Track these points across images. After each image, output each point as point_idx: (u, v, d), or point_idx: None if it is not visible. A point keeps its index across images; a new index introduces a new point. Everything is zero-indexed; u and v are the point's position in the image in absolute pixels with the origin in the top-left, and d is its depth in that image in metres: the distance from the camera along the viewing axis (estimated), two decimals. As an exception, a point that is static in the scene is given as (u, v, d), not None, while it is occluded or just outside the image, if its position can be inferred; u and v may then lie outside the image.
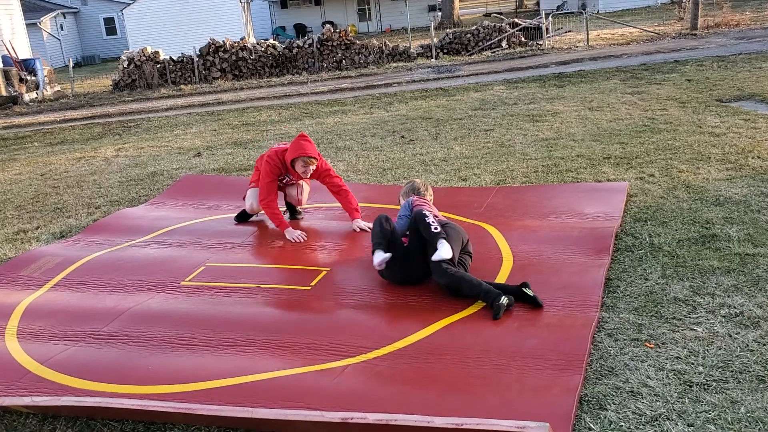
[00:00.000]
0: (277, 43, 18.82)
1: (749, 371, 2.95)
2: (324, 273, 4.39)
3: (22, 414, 3.14)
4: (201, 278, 4.51)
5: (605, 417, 2.73)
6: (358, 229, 5.09)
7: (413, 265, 4.03)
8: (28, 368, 3.49)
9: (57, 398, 2.96)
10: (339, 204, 5.32)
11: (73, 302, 4.33)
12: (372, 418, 2.40)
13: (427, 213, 4.07)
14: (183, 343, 3.63)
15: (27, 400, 2.95)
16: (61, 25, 34.65)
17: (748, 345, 3.14)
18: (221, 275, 4.54)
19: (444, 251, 3.81)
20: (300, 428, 2.70)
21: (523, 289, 3.71)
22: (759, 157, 6.08)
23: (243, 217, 5.60)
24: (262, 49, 18.14)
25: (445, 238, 3.88)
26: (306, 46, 18.19)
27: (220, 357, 3.47)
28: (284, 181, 5.35)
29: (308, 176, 5.15)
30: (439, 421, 2.33)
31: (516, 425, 2.21)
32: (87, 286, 4.57)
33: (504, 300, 3.59)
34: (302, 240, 5.06)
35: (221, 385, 3.17)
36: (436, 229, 3.94)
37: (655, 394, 2.85)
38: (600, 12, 27.83)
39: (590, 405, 2.82)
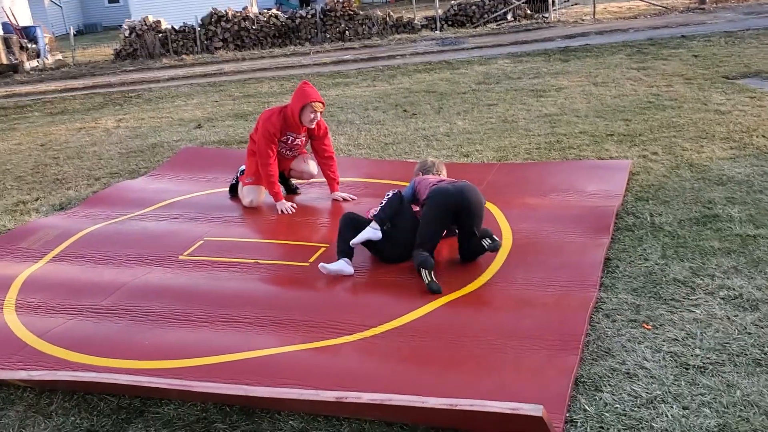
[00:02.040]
0: (279, 13, 18.60)
1: (746, 354, 2.94)
2: (323, 249, 4.38)
3: (20, 387, 3.15)
4: (199, 252, 4.50)
5: (600, 399, 2.73)
6: (341, 200, 5.21)
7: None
8: (26, 341, 3.50)
9: (53, 372, 2.97)
10: (341, 179, 5.34)
11: (72, 275, 4.33)
12: (366, 397, 2.40)
13: (392, 195, 4.08)
14: (180, 319, 3.64)
15: (23, 374, 2.96)
16: (62, -8, 34.22)
17: (746, 328, 3.13)
18: (220, 250, 4.53)
19: (363, 234, 3.95)
20: (295, 406, 2.71)
21: (482, 240, 3.82)
22: (764, 136, 6.01)
23: (236, 191, 5.57)
24: (265, 19, 17.93)
25: (379, 222, 3.97)
26: (309, 16, 17.98)
27: (217, 333, 3.47)
28: (287, 142, 5.20)
29: (314, 125, 5.06)
30: (432, 402, 2.33)
31: (510, 407, 2.21)
32: (85, 259, 4.57)
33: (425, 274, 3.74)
34: (291, 212, 5.08)
35: (218, 362, 3.18)
36: (374, 213, 4.04)
37: (651, 377, 2.84)
38: (608, -16, 27.37)
39: (586, 386, 2.82)
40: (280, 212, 5.08)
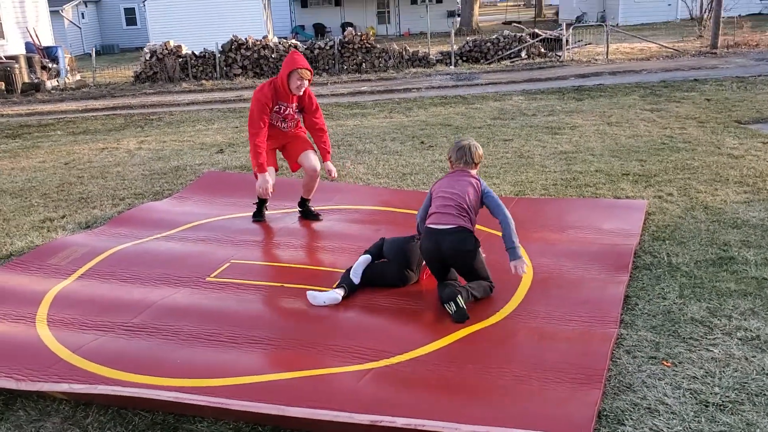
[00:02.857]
0: (299, 43, 18.95)
1: (765, 394, 3.02)
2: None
3: (55, 400, 3.24)
4: (226, 275, 4.62)
5: (623, 432, 2.81)
6: (329, 172, 5.48)
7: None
8: (60, 355, 3.60)
9: (93, 386, 3.06)
10: (359, 207, 5.48)
11: (101, 293, 4.44)
12: (401, 422, 2.49)
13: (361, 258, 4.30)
14: (210, 338, 3.73)
15: (65, 387, 3.05)
16: (82, 14, 34.94)
17: (764, 368, 3.21)
18: (246, 272, 4.64)
19: (325, 296, 4.11)
20: (327, 428, 2.79)
21: (445, 304, 3.84)
22: (777, 182, 6.13)
23: (259, 214, 5.72)
24: (284, 48, 18.27)
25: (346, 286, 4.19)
26: (327, 47, 18.31)
27: (245, 353, 3.57)
28: (280, 112, 5.30)
29: (301, 92, 5.22)
30: (465, 429, 2.41)
31: (540, 435, 2.30)
32: (114, 278, 4.68)
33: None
34: (267, 193, 5.29)
35: (247, 382, 3.27)
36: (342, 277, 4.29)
37: (672, 412, 2.93)
38: (619, 25, 27.83)
39: (608, 420, 2.90)
40: (257, 188, 5.27)
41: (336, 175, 5.57)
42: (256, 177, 5.31)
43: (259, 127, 5.23)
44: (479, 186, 4.10)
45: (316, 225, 5.60)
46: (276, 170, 5.60)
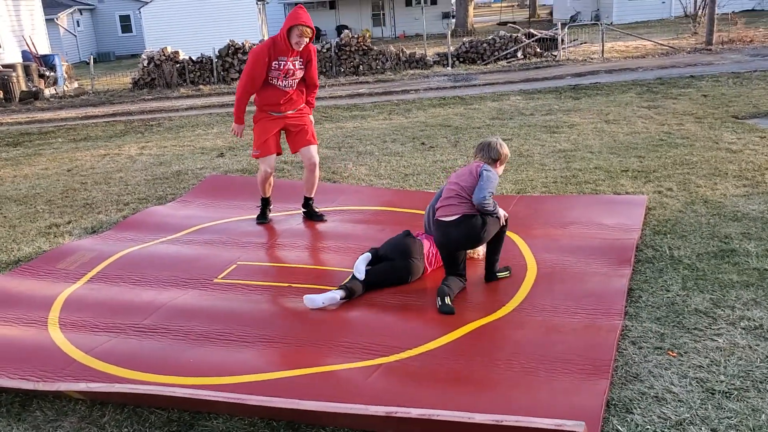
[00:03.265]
0: (294, 46, 19.00)
1: (769, 381, 3.08)
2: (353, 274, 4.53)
3: (72, 400, 3.29)
4: (233, 276, 4.67)
5: (632, 420, 2.87)
6: (305, 123, 5.55)
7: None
8: (73, 357, 3.65)
9: (111, 385, 3.11)
10: (363, 207, 5.53)
11: (111, 295, 4.49)
12: (415, 413, 2.55)
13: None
14: (221, 338, 3.79)
15: (83, 386, 3.10)
16: (77, 22, 34.99)
17: None
18: (253, 273, 4.69)
19: (323, 297, 4.15)
20: (342, 421, 2.84)
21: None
22: (776, 175, 6.20)
23: (263, 216, 5.78)
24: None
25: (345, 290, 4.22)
26: (324, 50, 18.38)
27: (257, 352, 3.62)
28: (280, 68, 5.24)
29: (301, 48, 5.19)
30: (479, 418, 2.47)
31: (553, 423, 2.35)
32: (123, 281, 4.73)
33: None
34: (237, 136, 5.52)
35: (260, 379, 3.32)
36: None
37: (679, 400, 2.98)
38: (614, 24, 27.95)
39: (617, 408, 2.95)
40: (231, 131, 5.39)
41: (308, 127, 5.59)
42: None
43: (248, 85, 5.26)
44: (478, 169, 4.17)
45: (320, 226, 5.66)
46: (279, 154, 5.66)
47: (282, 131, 5.59)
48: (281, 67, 5.25)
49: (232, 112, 5.59)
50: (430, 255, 4.48)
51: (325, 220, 5.74)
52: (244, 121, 5.48)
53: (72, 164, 9.13)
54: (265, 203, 5.81)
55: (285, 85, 5.35)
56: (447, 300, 3.94)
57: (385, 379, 3.29)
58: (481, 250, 4.58)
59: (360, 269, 4.27)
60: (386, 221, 5.61)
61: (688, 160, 6.96)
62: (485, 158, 4.28)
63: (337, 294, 4.12)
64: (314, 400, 3.03)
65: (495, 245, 4.25)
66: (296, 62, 5.30)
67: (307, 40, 5.17)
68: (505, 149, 4.33)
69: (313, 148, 5.62)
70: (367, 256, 4.38)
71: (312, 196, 5.78)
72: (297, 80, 5.41)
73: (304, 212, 5.84)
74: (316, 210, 5.81)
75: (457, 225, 4.08)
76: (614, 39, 21.12)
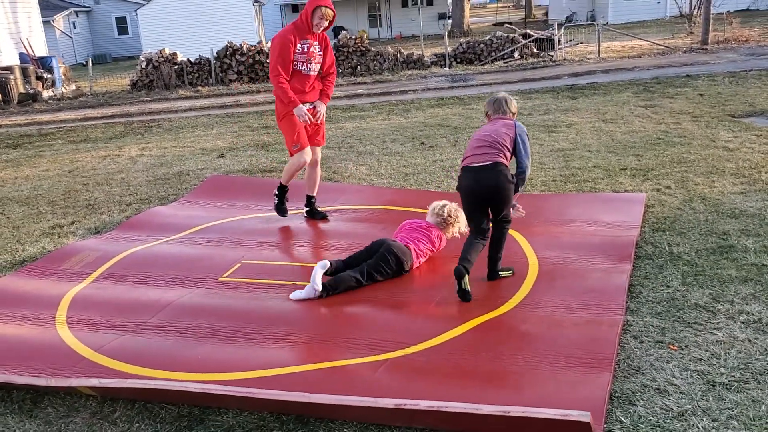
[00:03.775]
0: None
1: (768, 373, 3.14)
2: (357, 272, 4.59)
3: (83, 396, 3.34)
4: (238, 274, 4.72)
5: (635, 411, 2.93)
6: (320, 114, 5.52)
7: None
8: (83, 354, 3.70)
9: (123, 380, 3.16)
10: (365, 206, 5.60)
11: (117, 294, 4.54)
12: (424, 404, 2.60)
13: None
14: (228, 335, 3.83)
15: (95, 381, 3.15)
16: (73, 24, 35.00)
17: (767, 349, 3.34)
18: (257, 272, 4.74)
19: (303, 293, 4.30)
20: (351, 414, 2.90)
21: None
22: (772, 173, 6.27)
23: (281, 205, 5.79)
24: (278, 53, 18.35)
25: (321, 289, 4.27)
26: (321, 51, 18.41)
27: (264, 348, 3.67)
28: (303, 51, 5.28)
29: (320, 30, 5.27)
30: (487, 409, 2.52)
31: (559, 413, 2.40)
32: (128, 280, 4.78)
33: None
34: (308, 121, 5.38)
35: (268, 375, 3.37)
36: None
37: (680, 392, 3.04)
38: (609, 24, 28.06)
39: (620, 401, 3.01)
40: (298, 117, 5.32)
41: (320, 118, 5.56)
42: (292, 111, 5.33)
43: (280, 71, 5.24)
44: (513, 129, 4.21)
45: (323, 225, 5.71)
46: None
47: None
48: (306, 50, 5.31)
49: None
50: (418, 248, 4.59)
51: (328, 219, 5.80)
52: (298, 102, 5.34)
53: (73, 165, 9.16)
54: (284, 191, 5.79)
55: (309, 70, 5.39)
56: (464, 284, 4.00)
57: (392, 375, 3.34)
58: (463, 226, 4.63)
59: (317, 282, 4.21)
60: (388, 220, 5.66)
61: (686, 158, 7.03)
62: (507, 114, 4.34)
63: (318, 285, 4.19)
64: (325, 393, 3.09)
65: (497, 243, 4.30)
66: (316, 47, 5.39)
67: (327, 23, 5.27)
68: (515, 104, 4.45)
69: (318, 149, 5.71)
70: (325, 263, 4.33)
71: (314, 194, 5.83)
72: (319, 66, 5.46)
73: (306, 211, 5.90)
74: (319, 209, 5.86)
75: (491, 169, 4.05)
76: (610, 39, 21.22)
